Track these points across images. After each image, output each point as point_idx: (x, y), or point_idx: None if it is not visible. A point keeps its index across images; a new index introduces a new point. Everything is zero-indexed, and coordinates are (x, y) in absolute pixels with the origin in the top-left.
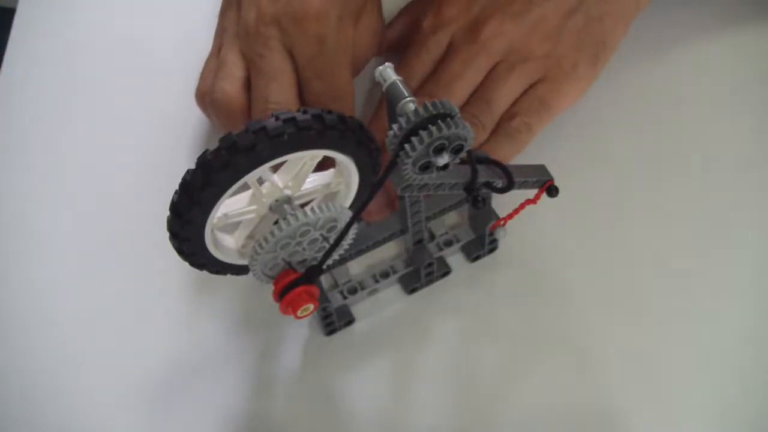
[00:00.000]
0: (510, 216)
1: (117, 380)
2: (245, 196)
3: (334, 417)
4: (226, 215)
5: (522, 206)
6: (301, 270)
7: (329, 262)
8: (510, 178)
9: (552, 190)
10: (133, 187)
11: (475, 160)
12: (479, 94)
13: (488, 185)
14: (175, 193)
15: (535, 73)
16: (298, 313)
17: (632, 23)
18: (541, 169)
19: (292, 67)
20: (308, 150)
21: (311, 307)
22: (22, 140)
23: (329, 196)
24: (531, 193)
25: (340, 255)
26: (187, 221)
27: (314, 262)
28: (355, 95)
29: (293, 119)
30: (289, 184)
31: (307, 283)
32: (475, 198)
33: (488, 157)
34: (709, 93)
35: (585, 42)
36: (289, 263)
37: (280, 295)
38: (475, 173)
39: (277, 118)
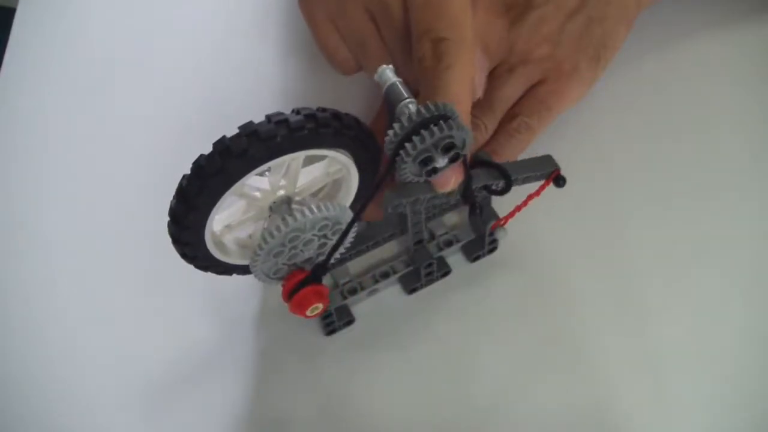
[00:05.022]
0: (513, 213)
1: (117, 380)
2: (243, 202)
3: (334, 417)
4: (227, 221)
5: (525, 202)
6: (308, 268)
7: (333, 261)
8: (508, 180)
9: (559, 180)
10: (134, 187)
11: (470, 165)
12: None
13: (487, 188)
14: (173, 198)
15: (536, 75)
16: (308, 313)
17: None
18: (547, 160)
19: None
20: (305, 150)
21: (320, 306)
22: (23, 140)
23: (331, 194)
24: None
25: (340, 254)
26: (185, 226)
27: (319, 259)
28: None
29: (285, 121)
30: (283, 183)
31: (314, 282)
32: (473, 204)
33: (486, 159)
34: (709, 93)
35: (586, 43)
36: (294, 264)
37: (289, 295)
38: (469, 180)
39: (269, 121)
